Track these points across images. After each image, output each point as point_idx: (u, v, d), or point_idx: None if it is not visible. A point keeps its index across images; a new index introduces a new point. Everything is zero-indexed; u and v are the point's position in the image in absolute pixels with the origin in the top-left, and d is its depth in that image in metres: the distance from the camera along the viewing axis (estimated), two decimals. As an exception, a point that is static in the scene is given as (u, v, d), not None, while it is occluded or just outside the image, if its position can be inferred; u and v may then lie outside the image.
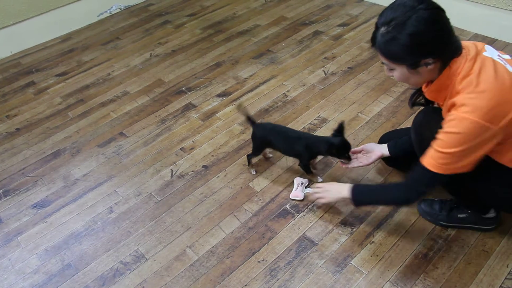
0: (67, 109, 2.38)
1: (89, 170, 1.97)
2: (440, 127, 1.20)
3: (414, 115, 2.01)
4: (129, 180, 1.90)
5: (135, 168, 1.95)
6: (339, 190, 1.51)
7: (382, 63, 1.27)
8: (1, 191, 1.92)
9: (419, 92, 1.45)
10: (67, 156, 2.07)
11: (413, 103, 1.49)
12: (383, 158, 1.76)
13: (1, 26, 2.84)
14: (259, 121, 2.10)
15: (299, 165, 1.80)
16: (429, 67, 1.19)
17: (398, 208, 1.64)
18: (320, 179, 1.79)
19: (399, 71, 1.25)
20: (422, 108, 1.48)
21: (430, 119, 1.36)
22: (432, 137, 1.23)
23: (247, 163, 1.86)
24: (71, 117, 2.32)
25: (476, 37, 2.54)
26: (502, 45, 2.46)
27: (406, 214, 1.62)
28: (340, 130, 1.63)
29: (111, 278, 1.53)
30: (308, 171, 1.78)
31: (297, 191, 1.73)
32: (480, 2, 2.51)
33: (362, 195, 1.49)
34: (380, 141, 1.74)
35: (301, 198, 1.72)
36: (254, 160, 1.88)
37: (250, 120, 1.79)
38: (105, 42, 2.98)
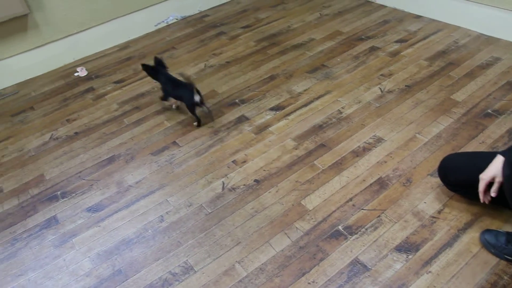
0: (122, 116, 2.45)
1: (142, 177, 2.01)
2: None
3: (477, 138, 1.94)
4: (181, 190, 1.91)
5: (187, 178, 1.97)
6: None
7: None
8: (59, 192, 1.99)
9: None
10: (121, 162, 2.12)
11: None
12: (443, 180, 1.67)
13: (66, 34, 2.98)
14: (312, 138, 2.08)
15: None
16: None
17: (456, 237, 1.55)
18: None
19: None
20: None
21: None
22: None
23: (303, 183, 1.84)
24: (127, 124, 2.38)
25: (480, 37, 2.62)
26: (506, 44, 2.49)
27: (466, 244, 1.53)
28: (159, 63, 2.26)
29: (160, 288, 1.53)
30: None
31: None
32: (485, 3, 2.62)
33: None
34: (441, 165, 1.67)
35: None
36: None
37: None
38: (161, 51, 3.05)
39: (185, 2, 3.43)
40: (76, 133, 2.36)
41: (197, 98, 2.14)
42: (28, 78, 2.96)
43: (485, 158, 1.44)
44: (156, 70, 2.29)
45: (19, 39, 2.81)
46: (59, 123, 2.46)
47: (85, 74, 2.91)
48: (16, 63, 2.88)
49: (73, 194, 1.97)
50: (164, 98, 2.37)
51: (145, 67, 2.31)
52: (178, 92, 2.21)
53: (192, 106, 2.17)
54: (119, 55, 3.09)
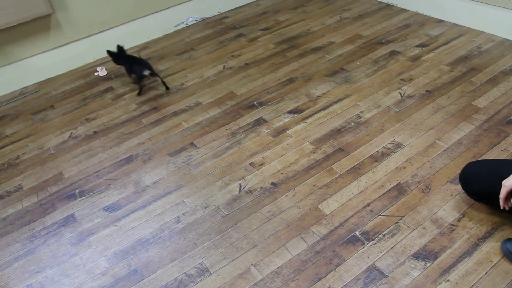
0: (141, 116, 2.46)
1: (159, 178, 2.02)
2: None
3: (499, 145, 1.90)
4: (198, 191, 1.91)
5: (204, 179, 1.97)
6: None
7: None
8: (77, 191, 2.01)
9: None
10: (139, 162, 2.13)
11: None
12: (465, 189, 1.63)
13: (87, 34, 3.02)
14: (330, 142, 2.07)
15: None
16: None
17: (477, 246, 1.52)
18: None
19: None
20: None
21: None
22: None
23: (321, 187, 1.82)
24: (145, 124, 2.39)
25: (504, 42, 2.56)
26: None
27: (486, 253, 1.50)
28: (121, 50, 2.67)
29: (175, 289, 1.54)
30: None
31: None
32: (510, 7, 2.55)
33: None
34: (463, 173, 1.63)
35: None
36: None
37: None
38: (180, 52, 3.07)
39: (204, 4, 3.44)
40: (95, 132, 2.39)
41: (146, 72, 2.56)
42: (49, 77, 3.00)
43: (510, 166, 1.41)
44: (118, 55, 2.69)
45: (42, 39, 2.86)
46: (78, 122, 2.49)
47: (104, 74, 2.94)
48: (38, 62, 2.92)
49: (91, 193, 1.99)
50: (131, 78, 2.77)
51: (110, 53, 2.70)
52: (133, 67, 2.60)
53: (140, 77, 2.59)
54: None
